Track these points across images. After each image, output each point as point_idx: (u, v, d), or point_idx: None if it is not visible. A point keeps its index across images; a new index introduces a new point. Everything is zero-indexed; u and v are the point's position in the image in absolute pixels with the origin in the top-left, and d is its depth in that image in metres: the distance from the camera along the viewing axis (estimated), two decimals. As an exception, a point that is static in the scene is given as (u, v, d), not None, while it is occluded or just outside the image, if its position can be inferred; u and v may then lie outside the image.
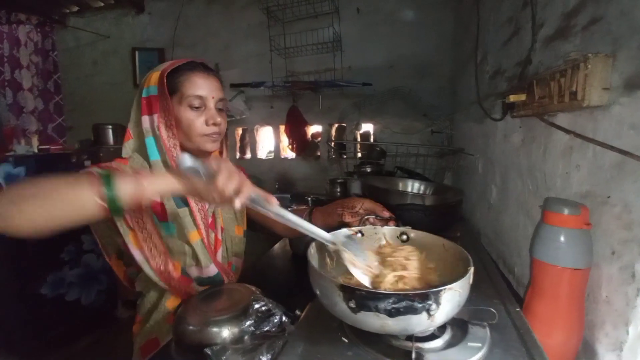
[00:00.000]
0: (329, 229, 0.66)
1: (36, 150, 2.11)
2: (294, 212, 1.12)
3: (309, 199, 2.17)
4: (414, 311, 0.41)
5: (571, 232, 0.61)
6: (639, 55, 0.49)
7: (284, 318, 0.67)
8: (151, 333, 0.84)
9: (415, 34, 2.24)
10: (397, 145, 1.80)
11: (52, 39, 2.79)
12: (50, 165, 1.89)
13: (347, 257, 0.58)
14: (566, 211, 0.61)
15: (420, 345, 0.51)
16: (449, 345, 0.51)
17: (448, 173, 2.10)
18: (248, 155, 2.81)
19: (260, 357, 0.61)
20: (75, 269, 1.99)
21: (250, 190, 0.56)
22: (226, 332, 0.64)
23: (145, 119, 0.80)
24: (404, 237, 0.72)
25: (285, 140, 2.67)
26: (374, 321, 0.44)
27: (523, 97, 0.85)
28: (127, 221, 0.75)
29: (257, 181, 2.54)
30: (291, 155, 2.69)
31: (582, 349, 0.62)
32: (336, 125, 2.57)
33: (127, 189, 0.52)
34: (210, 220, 0.88)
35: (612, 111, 0.57)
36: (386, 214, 0.78)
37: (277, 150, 2.73)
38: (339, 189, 2.08)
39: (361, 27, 2.35)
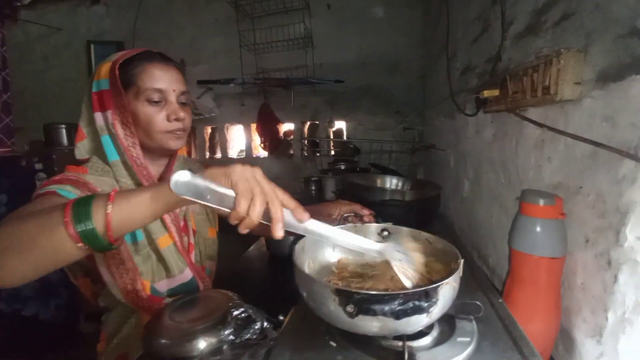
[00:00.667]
0: None
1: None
2: None
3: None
4: (421, 311, 0.40)
5: (547, 222, 0.62)
6: (613, 49, 0.50)
7: (265, 324, 0.63)
8: (120, 348, 0.78)
9: (386, 31, 2.27)
10: (371, 142, 1.81)
11: (2, 33, 2.53)
12: (-5, 168, 1.71)
13: (399, 266, 0.52)
14: (542, 202, 0.62)
15: (410, 344, 0.50)
16: (438, 342, 0.51)
17: (420, 168, 2.15)
18: (218, 155, 2.72)
19: None
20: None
21: (282, 206, 0.44)
22: (203, 344, 0.59)
23: (99, 116, 0.72)
24: (385, 233, 0.71)
25: (257, 138, 2.61)
26: (373, 324, 0.42)
27: (496, 92, 0.87)
28: None
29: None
30: (263, 154, 2.63)
31: (559, 335, 0.65)
32: (309, 123, 2.54)
33: (122, 213, 0.44)
34: (182, 223, 0.83)
35: (584, 104, 0.59)
36: (365, 211, 0.77)
37: (248, 149, 2.66)
38: (313, 187, 2.06)
39: (332, 23, 2.34)
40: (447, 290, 0.43)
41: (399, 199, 0.87)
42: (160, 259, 0.74)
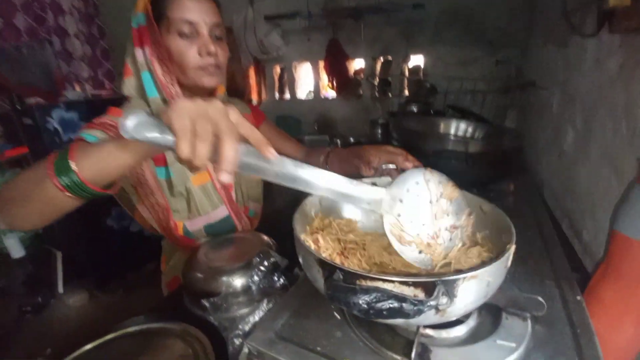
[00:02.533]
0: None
1: (89, 96, 2.21)
2: (310, 153, 1.00)
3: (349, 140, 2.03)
4: (404, 315, 0.30)
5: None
6: None
7: (282, 278, 0.60)
8: (173, 271, 0.86)
9: None
10: (450, 79, 1.52)
11: (91, -21, 2.74)
12: (101, 110, 1.96)
13: (393, 225, 0.42)
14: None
15: (430, 333, 0.40)
16: (471, 339, 0.40)
17: (512, 113, 1.77)
18: (287, 96, 2.67)
19: (249, 318, 0.56)
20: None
21: (235, 143, 0.33)
22: (229, 284, 0.61)
23: (139, 52, 0.70)
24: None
25: (325, 78, 2.46)
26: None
27: (627, 0, 0.58)
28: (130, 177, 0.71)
29: (296, 122, 2.43)
30: (332, 94, 2.49)
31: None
32: (381, 59, 2.27)
33: (91, 167, 0.41)
34: None
35: None
36: (409, 164, 0.62)
37: (316, 89, 2.54)
38: (379, 131, 1.90)
39: None
40: (475, 286, 0.31)
41: (460, 149, 0.69)
42: (195, 196, 0.75)
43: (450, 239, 0.43)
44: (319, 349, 0.40)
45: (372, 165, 0.68)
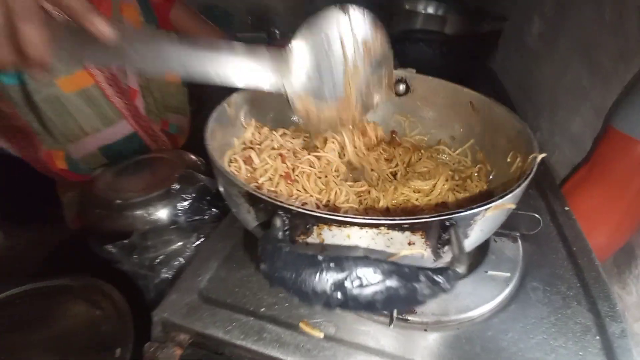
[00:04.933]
0: None
1: None
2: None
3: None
4: (414, 301, 0.19)
5: None
6: None
7: (213, 208, 0.48)
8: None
9: None
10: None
11: None
12: None
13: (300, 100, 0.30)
14: None
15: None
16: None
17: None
18: (211, -22, 2.13)
19: (173, 262, 0.44)
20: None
21: (37, 24, 0.21)
22: (142, 220, 0.47)
23: None
24: (401, 87, 0.45)
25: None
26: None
27: None
28: None
29: (224, 15, 1.99)
30: (267, -24, 2.03)
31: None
32: None
33: None
34: None
35: None
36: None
37: (246, -32, 2.04)
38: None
39: None
40: (492, 218, 0.21)
41: (434, 29, 0.53)
42: (70, 108, 0.52)
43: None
44: (262, 310, 0.29)
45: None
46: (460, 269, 0.19)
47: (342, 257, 0.18)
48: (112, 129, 0.58)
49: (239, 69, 0.27)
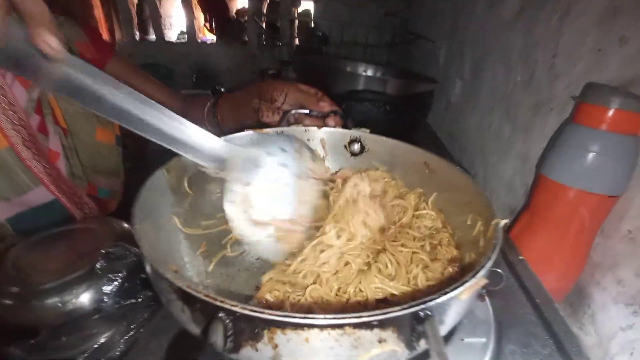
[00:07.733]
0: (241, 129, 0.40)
1: None
2: (192, 102, 0.77)
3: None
4: None
5: (615, 140, 0.38)
6: None
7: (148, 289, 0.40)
8: None
9: None
10: (342, 27, 1.41)
11: None
12: None
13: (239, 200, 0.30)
14: (616, 104, 0.37)
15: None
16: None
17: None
18: (152, 37, 2.14)
19: None
20: None
21: None
22: (56, 310, 0.37)
23: None
24: (356, 146, 0.45)
25: (201, 17, 2.04)
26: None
27: None
28: None
29: (168, 73, 1.97)
30: (211, 38, 2.10)
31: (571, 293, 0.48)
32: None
33: None
34: (36, 118, 0.50)
35: None
36: (325, 105, 0.48)
37: (191, 30, 2.09)
38: (271, 83, 1.69)
39: None
40: (469, 297, 0.20)
41: (378, 89, 0.57)
42: None
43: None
44: None
45: (276, 105, 0.50)
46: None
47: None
48: (25, 197, 0.48)
49: (197, 138, 0.28)
